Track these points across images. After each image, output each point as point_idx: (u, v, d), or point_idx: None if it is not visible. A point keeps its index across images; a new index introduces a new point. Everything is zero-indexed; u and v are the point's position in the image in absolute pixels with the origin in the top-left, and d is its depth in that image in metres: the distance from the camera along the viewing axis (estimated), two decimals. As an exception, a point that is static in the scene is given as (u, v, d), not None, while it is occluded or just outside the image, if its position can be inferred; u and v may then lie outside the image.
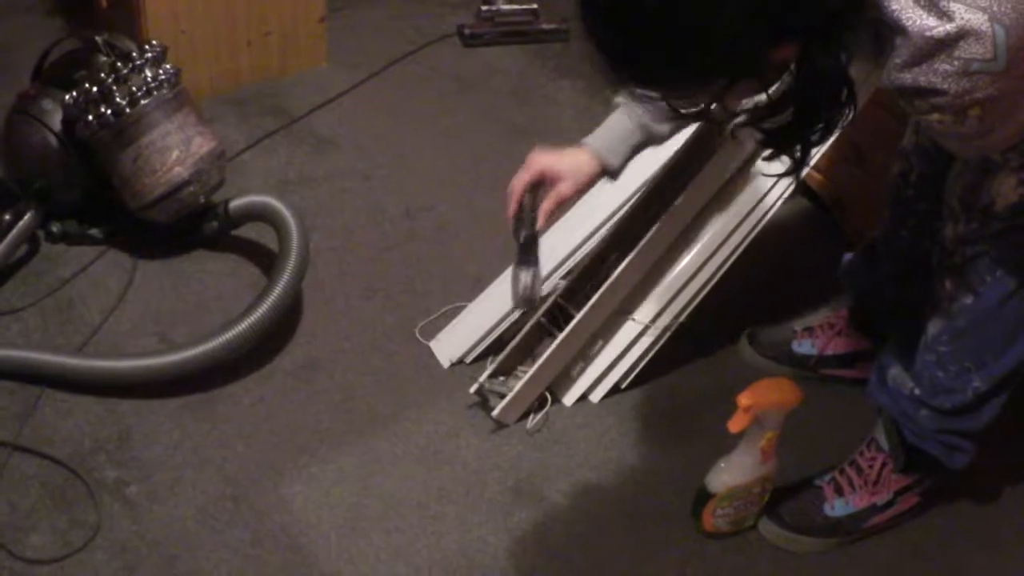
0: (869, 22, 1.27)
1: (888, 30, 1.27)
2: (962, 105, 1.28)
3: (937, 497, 1.96)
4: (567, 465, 1.99)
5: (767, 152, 1.48)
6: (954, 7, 1.21)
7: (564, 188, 1.79)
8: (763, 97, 1.34)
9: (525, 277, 1.87)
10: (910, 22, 1.23)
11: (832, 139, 1.48)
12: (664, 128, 1.79)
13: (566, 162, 1.79)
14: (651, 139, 1.80)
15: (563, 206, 1.86)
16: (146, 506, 1.85)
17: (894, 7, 1.24)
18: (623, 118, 1.78)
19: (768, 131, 1.43)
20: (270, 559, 1.80)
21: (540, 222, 1.82)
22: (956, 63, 1.24)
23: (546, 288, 2.11)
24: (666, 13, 1.18)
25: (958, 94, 1.26)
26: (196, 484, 1.90)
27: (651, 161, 2.12)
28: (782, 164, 1.51)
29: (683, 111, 1.50)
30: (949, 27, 1.22)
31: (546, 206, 1.81)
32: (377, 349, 2.19)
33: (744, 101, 1.41)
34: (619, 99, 1.78)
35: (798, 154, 1.44)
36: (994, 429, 1.77)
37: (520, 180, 1.80)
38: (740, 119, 1.46)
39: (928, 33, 1.22)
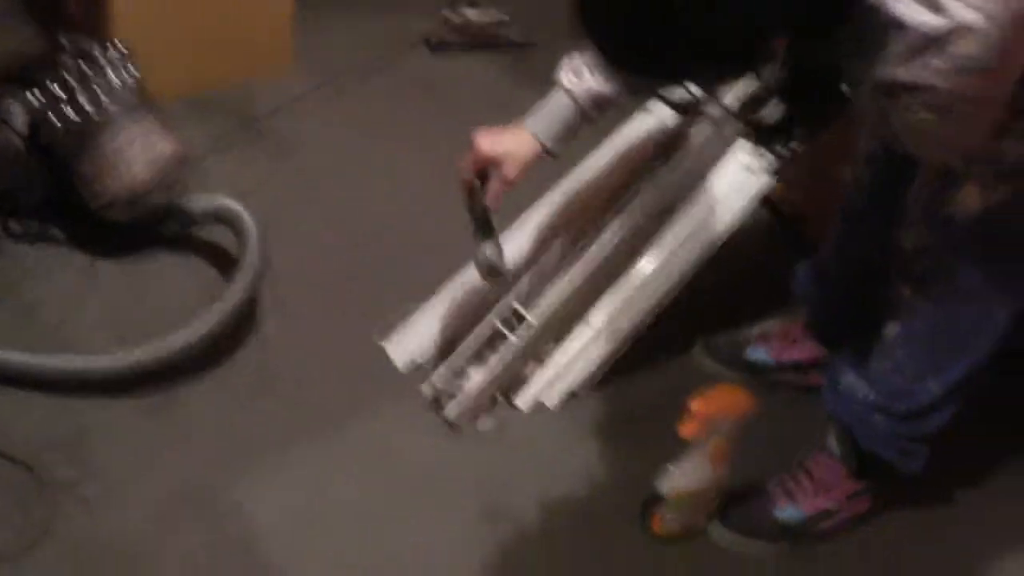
0: (862, 18, 1.26)
1: (878, 26, 1.26)
2: (949, 103, 1.28)
3: (888, 502, 1.98)
4: (521, 468, 2.00)
5: (754, 148, 1.49)
6: (949, 3, 1.20)
7: (509, 172, 1.86)
8: (754, 89, 1.35)
9: (486, 248, 1.93)
10: (906, 16, 1.22)
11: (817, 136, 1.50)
12: (615, 92, 1.79)
13: (509, 145, 1.84)
14: (594, 116, 1.84)
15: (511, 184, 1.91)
16: (100, 507, 1.85)
17: (889, 1, 1.23)
18: (566, 101, 1.80)
19: (758, 126, 1.45)
20: (224, 563, 1.80)
21: (490, 201, 1.89)
22: (948, 60, 1.23)
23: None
24: (683, 16, 1.19)
25: (948, 91, 1.26)
26: (151, 486, 1.89)
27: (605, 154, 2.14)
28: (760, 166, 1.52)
29: (673, 100, 1.51)
30: (943, 23, 1.21)
31: (494, 189, 1.87)
32: (333, 352, 2.19)
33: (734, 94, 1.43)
34: (563, 79, 1.79)
35: (786, 151, 1.46)
36: (946, 434, 1.80)
37: (467, 164, 1.88)
38: (729, 110, 1.47)
39: (923, 29, 1.21)
